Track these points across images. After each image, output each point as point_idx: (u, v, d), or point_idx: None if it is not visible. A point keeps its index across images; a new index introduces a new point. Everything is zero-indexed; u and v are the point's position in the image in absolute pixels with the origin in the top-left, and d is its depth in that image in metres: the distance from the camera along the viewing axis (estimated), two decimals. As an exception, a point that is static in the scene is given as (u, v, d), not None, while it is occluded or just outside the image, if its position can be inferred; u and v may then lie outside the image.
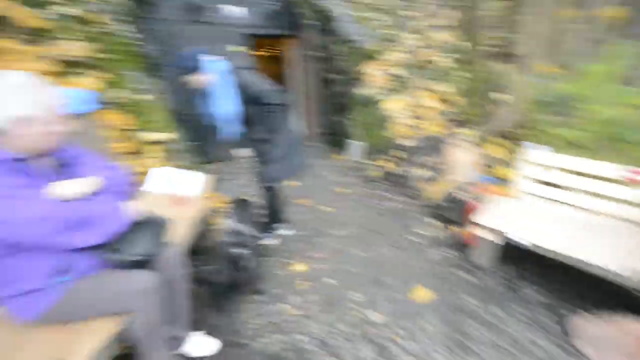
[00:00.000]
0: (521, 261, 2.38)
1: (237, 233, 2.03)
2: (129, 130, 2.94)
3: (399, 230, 2.95)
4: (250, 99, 2.07)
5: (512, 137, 3.28)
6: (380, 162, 4.28)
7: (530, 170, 2.50)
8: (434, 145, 3.81)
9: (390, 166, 4.05)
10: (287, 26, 5.17)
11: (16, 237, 0.94)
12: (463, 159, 3.07)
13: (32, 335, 1.09)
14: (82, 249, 1.08)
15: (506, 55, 3.86)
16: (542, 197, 2.44)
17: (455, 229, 2.86)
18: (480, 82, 3.70)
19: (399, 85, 4.62)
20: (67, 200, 1.04)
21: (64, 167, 1.15)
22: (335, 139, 5.48)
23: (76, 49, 3.05)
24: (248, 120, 2.15)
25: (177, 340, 1.47)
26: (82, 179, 1.14)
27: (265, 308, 1.98)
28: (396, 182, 3.83)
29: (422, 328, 1.87)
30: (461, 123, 3.85)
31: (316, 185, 4.03)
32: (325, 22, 4.59)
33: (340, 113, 5.21)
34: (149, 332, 1.18)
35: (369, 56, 4.59)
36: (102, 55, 3.14)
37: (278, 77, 8.91)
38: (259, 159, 2.33)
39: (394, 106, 4.43)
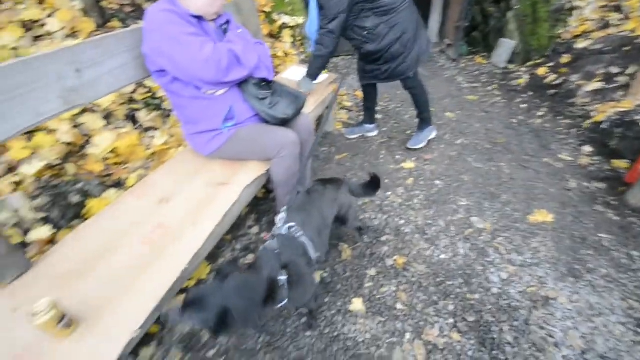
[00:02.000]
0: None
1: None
2: (266, 12, 3.10)
3: (534, 150, 2.54)
4: None
5: None
6: (532, 69, 3.45)
7: None
8: (621, 50, 2.78)
9: (545, 74, 3.24)
10: None
11: (187, 75, 1.22)
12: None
13: (206, 166, 1.52)
14: (244, 102, 1.38)
15: None
16: None
17: (618, 162, 2.28)
18: None
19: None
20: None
21: (223, 33, 1.37)
22: (480, 38, 4.55)
23: None
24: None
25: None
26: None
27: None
28: (547, 94, 3.10)
29: (532, 246, 1.76)
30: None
31: (443, 89, 3.64)
32: None
33: (495, 2, 4.16)
34: (286, 176, 1.49)
35: None
36: None
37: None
38: (382, 57, 2.04)
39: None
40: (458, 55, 4.50)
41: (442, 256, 1.72)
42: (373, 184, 1.61)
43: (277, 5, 3.16)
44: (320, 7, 1.83)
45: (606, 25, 3.13)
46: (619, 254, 1.70)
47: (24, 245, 1.35)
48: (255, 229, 1.83)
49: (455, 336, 1.39)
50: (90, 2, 2.04)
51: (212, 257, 1.64)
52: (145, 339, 1.31)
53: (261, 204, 1.97)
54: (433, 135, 2.52)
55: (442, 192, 2.15)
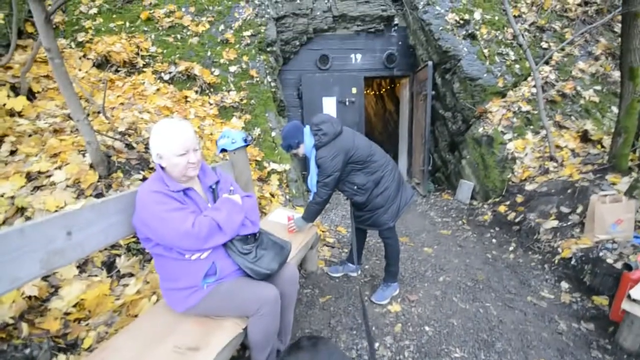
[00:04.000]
0: None
1: None
2: (259, 160, 3.55)
3: (515, 287, 2.56)
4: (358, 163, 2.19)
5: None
6: (494, 206, 3.84)
7: None
8: (566, 192, 3.23)
9: (505, 211, 3.59)
10: (400, 67, 5.41)
11: (169, 245, 1.30)
12: (610, 212, 2.50)
13: (179, 324, 1.41)
14: (227, 257, 1.41)
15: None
16: None
17: (598, 299, 2.30)
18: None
19: (525, 122, 4.16)
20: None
21: (212, 193, 1.52)
22: (443, 178, 5.23)
23: (230, 97, 3.94)
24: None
25: (279, 353, 1.64)
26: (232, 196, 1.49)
27: (357, 342, 1.99)
28: (513, 230, 3.36)
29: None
30: (608, 169, 3.17)
31: (418, 224, 3.90)
32: (446, 61, 4.60)
33: (450, 151, 5.00)
34: (264, 337, 1.38)
35: (492, 93, 4.34)
36: (245, 101, 3.96)
37: (385, 115, 9.19)
38: (365, 208, 2.30)
39: (518, 146, 4.00)
40: (427, 192, 5.03)
41: None
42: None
43: (266, 155, 3.65)
44: (318, 166, 2.15)
45: (546, 172, 3.71)
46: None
47: None
48: (225, 402, 1.55)
49: None
50: (99, 157, 2.30)
51: None
52: None
53: (235, 363, 1.74)
54: (396, 292, 2.49)
55: (433, 340, 2.00)
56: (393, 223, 2.33)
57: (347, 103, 5.18)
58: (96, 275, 1.87)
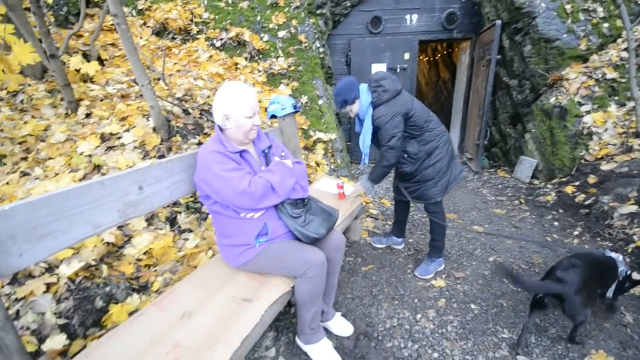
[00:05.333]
0: None
1: None
2: (305, 129, 3.55)
3: (576, 274, 2.34)
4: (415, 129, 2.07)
5: None
6: (559, 186, 3.48)
7: None
8: (655, 175, 2.79)
9: (573, 193, 3.23)
10: (461, 28, 4.89)
11: (226, 202, 1.37)
12: None
13: (234, 277, 1.52)
14: (278, 220, 1.47)
15: None
16: None
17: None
18: None
19: (608, 92, 3.59)
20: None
21: (265, 156, 1.55)
22: (500, 153, 4.82)
23: (278, 63, 3.90)
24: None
25: (324, 314, 1.73)
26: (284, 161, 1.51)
27: (399, 312, 2.01)
28: (580, 213, 3.03)
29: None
30: None
31: (468, 201, 3.69)
32: (517, 20, 4.04)
33: (511, 124, 4.54)
34: (310, 297, 1.46)
35: (571, 57, 3.77)
36: (293, 68, 3.90)
37: (438, 83, 8.54)
38: (412, 179, 2.21)
39: (597, 119, 3.49)
40: (480, 168, 4.69)
41: (488, 408, 1.45)
42: None
43: (313, 124, 3.63)
44: (376, 126, 2.04)
45: (629, 150, 3.23)
46: None
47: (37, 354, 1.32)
48: (272, 351, 1.68)
49: None
50: (160, 121, 2.45)
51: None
52: None
53: (280, 319, 1.87)
54: (441, 267, 2.40)
55: (479, 319, 1.95)
56: (441, 197, 2.22)
57: (398, 70, 4.87)
58: (161, 229, 2.07)
